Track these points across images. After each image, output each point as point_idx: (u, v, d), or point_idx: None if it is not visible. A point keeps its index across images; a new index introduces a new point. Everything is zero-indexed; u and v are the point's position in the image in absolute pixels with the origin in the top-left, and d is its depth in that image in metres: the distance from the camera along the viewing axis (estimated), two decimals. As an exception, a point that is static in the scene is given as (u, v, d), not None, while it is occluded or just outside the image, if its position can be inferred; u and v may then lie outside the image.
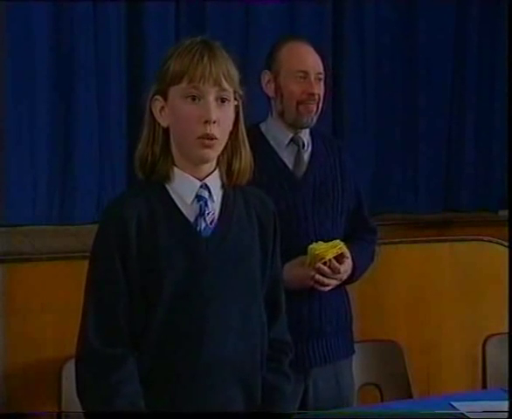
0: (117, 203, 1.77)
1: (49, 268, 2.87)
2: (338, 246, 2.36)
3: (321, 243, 2.36)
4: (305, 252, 2.34)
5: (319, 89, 2.45)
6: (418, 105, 4.64)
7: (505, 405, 2.10)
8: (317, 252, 2.33)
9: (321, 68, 2.46)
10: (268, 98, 2.49)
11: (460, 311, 3.34)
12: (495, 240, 3.37)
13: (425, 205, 4.65)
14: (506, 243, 3.20)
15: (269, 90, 2.48)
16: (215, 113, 1.69)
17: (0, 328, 2.72)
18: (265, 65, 2.49)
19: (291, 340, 1.93)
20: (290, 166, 2.45)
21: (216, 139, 1.70)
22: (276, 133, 2.47)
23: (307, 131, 2.50)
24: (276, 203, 1.92)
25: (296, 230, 2.38)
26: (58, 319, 2.79)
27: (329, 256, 2.34)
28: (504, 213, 4.17)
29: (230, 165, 1.78)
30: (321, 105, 2.46)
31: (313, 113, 2.44)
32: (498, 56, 4.56)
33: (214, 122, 1.69)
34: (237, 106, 1.76)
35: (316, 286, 2.36)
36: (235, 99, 1.75)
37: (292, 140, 2.47)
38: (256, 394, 1.79)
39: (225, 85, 1.71)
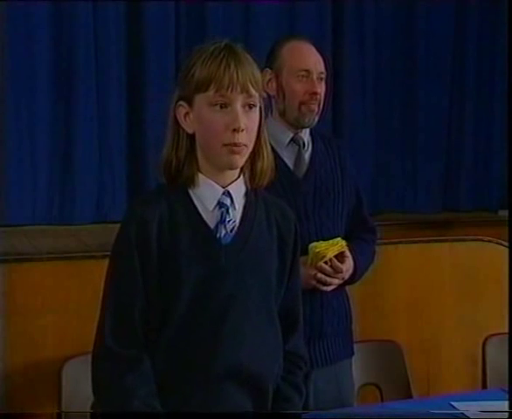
0: (140, 203, 1.76)
1: (49, 268, 2.86)
2: (339, 244, 2.35)
3: (321, 241, 2.35)
4: (306, 252, 2.33)
5: (321, 89, 2.44)
6: (418, 104, 4.64)
7: (505, 405, 2.09)
8: (318, 250, 2.32)
9: (322, 67, 2.46)
10: (269, 97, 2.49)
11: (460, 311, 3.33)
12: (495, 240, 3.36)
13: (425, 205, 4.66)
14: (506, 243, 3.19)
15: (270, 89, 2.46)
16: (243, 120, 1.67)
17: (0, 328, 2.71)
18: (266, 63, 2.48)
19: (307, 355, 1.91)
20: (291, 166, 2.44)
21: (245, 145, 1.69)
22: (276, 132, 2.45)
23: (308, 131, 2.50)
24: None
25: (297, 230, 2.38)
26: (58, 319, 2.78)
27: (330, 254, 2.33)
28: (504, 213, 4.18)
29: (253, 166, 1.76)
30: (322, 105, 2.46)
31: (315, 112, 2.44)
32: (498, 50, 4.57)
33: (242, 130, 1.67)
34: (260, 108, 1.74)
35: (318, 286, 2.35)
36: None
37: (292, 139, 2.46)
38: (266, 404, 1.78)
39: (252, 91, 1.69)
